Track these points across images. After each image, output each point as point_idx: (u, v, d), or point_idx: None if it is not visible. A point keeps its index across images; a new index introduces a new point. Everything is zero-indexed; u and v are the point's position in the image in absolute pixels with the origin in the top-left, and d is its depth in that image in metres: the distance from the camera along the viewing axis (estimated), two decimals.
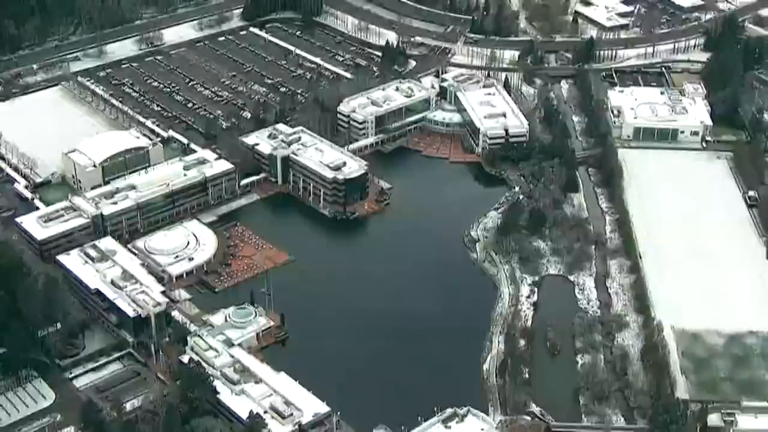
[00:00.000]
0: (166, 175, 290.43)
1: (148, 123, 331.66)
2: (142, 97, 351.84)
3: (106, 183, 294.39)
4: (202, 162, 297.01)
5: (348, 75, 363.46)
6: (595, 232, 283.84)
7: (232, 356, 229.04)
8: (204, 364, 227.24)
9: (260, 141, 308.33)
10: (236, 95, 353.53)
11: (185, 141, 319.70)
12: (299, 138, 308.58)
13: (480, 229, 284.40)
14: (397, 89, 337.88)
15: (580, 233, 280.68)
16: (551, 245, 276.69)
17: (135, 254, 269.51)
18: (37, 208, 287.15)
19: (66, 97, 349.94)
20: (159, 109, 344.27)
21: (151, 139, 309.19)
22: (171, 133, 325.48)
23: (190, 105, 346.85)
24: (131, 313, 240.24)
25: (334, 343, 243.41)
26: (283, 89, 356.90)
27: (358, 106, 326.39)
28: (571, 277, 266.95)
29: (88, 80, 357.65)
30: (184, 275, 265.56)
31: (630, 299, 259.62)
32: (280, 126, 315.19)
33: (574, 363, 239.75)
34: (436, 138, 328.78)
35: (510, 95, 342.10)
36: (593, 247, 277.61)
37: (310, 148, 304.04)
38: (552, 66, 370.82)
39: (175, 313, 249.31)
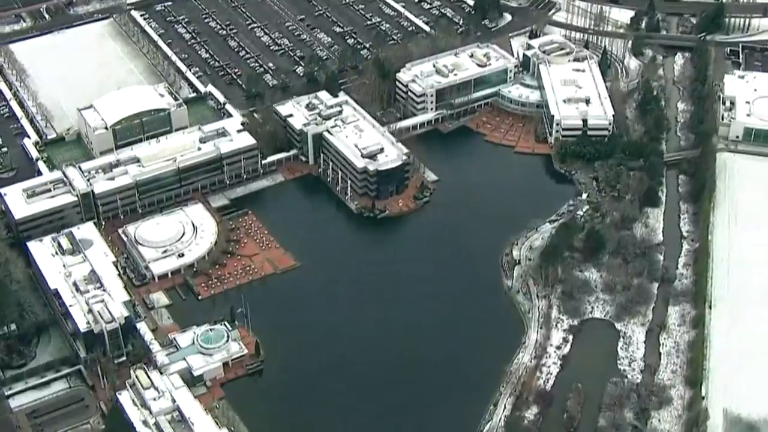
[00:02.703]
0: (177, 147, 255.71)
1: (189, 74, 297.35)
2: (193, 39, 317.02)
3: (119, 148, 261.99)
4: (222, 134, 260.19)
5: (427, 28, 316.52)
6: (665, 264, 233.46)
7: (174, 401, 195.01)
8: (140, 406, 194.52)
9: (296, 111, 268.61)
10: (296, 45, 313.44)
11: (222, 100, 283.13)
12: (340, 111, 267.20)
13: (525, 247, 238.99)
14: (471, 56, 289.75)
15: (644, 265, 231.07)
16: (605, 277, 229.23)
17: (124, 242, 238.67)
18: (39, 173, 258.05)
19: (113, 34, 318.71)
20: (207, 56, 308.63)
21: (176, 99, 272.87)
22: (210, 88, 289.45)
23: (242, 53, 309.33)
24: (82, 327, 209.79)
25: (315, 383, 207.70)
26: (350, 40, 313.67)
27: (420, 75, 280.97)
28: (619, 325, 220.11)
29: (142, 14, 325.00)
30: (169, 274, 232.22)
31: (683, 363, 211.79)
32: (323, 94, 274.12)
33: None
34: (506, 119, 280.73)
35: (606, 72, 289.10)
36: (657, 285, 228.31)
37: (349, 125, 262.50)
38: (669, 34, 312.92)
39: (142, 326, 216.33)
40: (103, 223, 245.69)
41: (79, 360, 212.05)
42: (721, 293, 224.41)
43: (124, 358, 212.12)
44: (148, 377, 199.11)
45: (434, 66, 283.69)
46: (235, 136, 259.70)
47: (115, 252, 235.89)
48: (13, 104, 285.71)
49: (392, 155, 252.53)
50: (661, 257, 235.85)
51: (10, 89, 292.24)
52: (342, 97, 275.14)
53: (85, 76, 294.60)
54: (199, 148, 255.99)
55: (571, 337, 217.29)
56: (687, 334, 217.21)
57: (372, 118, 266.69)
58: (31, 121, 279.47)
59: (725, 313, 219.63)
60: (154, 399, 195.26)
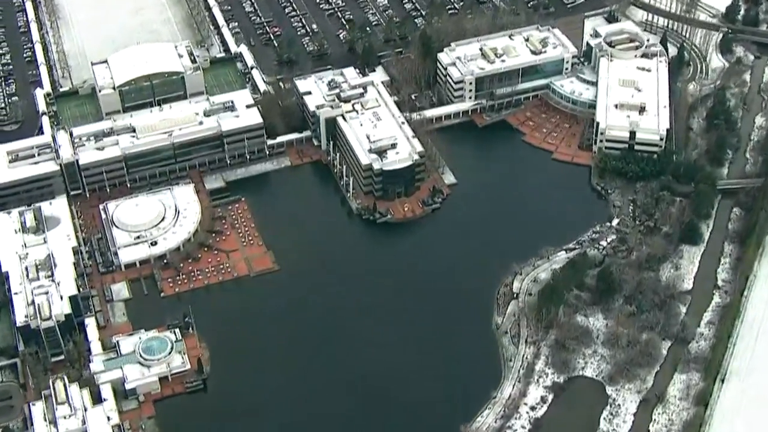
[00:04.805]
0: (177, 119, 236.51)
1: (225, 29, 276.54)
2: None
3: (126, 111, 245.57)
4: (230, 108, 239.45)
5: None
6: (685, 319, 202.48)
7: (84, 422, 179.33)
8: (48, 422, 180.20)
9: (315, 89, 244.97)
10: (348, 5, 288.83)
11: (251, 64, 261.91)
12: (362, 93, 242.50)
13: (529, 278, 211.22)
14: (527, 39, 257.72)
15: (660, 318, 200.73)
16: (610, 328, 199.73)
17: (102, 218, 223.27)
18: (41, 130, 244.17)
19: None
20: (250, 9, 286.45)
21: (194, 60, 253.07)
22: (242, 48, 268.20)
23: (288, 9, 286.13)
24: (19, 320, 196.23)
25: (260, 410, 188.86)
26: (408, 5, 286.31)
27: (463, 58, 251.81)
28: (610, 389, 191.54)
29: None
30: (137, 264, 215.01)
31: None
32: (349, 72, 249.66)
33: None
34: (553, 117, 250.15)
35: (681, 70, 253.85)
36: (668, 344, 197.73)
37: (367, 112, 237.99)
38: (766, 30, 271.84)
39: (91, 322, 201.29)
40: (88, 195, 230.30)
41: (17, 353, 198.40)
42: (739, 365, 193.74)
43: (62, 357, 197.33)
44: (66, 390, 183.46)
45: (481, 49, 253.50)
46: (242, 111, 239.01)
47: (91, 230, 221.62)
48: (38, 48, 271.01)
49: (403, 153, 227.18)
50: (683, 310, 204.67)
51: (39, 30, 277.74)
52: (369, 77, 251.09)
53: (118, 22, 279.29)
54: (201, 122, 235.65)
55: (550, 397, 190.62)
56: (687, 411, 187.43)
57: (396, 105, 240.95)
58: (51, 69, 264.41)
59: (738, 392, 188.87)
60: (65, 417, 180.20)
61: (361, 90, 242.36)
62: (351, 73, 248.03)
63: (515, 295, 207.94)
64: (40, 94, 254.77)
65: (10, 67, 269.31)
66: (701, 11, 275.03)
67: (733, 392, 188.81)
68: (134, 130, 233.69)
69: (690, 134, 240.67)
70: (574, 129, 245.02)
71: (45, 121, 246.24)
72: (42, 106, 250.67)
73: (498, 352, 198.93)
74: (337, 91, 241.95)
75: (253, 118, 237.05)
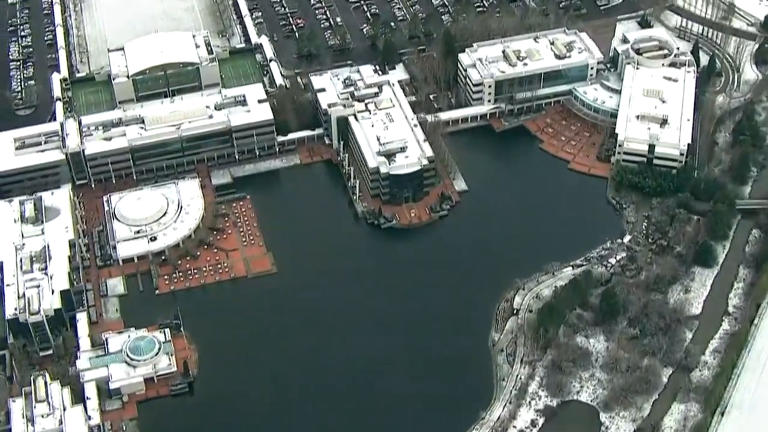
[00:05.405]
0: (187, 112, 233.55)
1: (248, 19, 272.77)
2: None
3: (140, 100, 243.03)
4: (241, 103, 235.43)
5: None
6: (690, 346, 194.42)
7: (61, 422, 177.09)
8: (26, 419, 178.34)
9: (330, 86, 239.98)
10: None
11: (269, 56, 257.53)
12: (376, 93, 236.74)
13: (531, 294, 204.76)
14: (552, 43, 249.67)
15: (663, 343, 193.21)
16: (610, 351, 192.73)
17: (105, 210, 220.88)
18: (53, 117, 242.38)
19: None
20: (275, 0, 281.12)
21: (210, 51, 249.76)
22: (262, 39, 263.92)
23: (313, 1, 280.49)
24: (8, 313, 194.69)
25: (245, 417, 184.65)
26: (435, 0, 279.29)
27: (485, 59, 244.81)
28: (604, 416, 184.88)
29: None
30: (135, 259, 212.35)
31: None
32: (366, 69, 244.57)
33: None
34: (573, 125, 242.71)
35: (711, 80, 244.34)
36: (669, 371, 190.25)
37: (380, 112, 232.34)
38: None
39: (82, 317, 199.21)
40: (93, 186, 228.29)
41: (6, 345, 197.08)
42: (741, 398, 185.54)
43: (51, 351, 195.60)
44: (46, 388, 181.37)
45: (503, 51, 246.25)
46: (254, 106, 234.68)
47: (93, 222, 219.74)
48: (59, 31, 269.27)
49: (413, 157, 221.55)
50: (689, 336, 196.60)
51: (63, 13, 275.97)
52: (387, 75, 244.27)
53: (141, 8, 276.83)
54: (211, 116, 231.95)
55: (541, 421, 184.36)
56: None
57: (412, 106, 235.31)
58: (70, 54, 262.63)
59: (737, 427, 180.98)
60: (43, 416, 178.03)
61: (375, 89, 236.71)
62: (368, 71, 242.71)
63: (515, 312, 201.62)
64: (56, 78, 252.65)
65: (30, 49, 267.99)
66: (738, 19, 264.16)
67: (732, 427, 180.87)
68: (143, 122, 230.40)
69: (715, 149, 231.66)
70: (594, 138, 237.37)
71: (59, 107, 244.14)
72: (57, 91, 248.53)
73: (492, 370, 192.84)
74: (352, 89, 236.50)
75: (264, 113, 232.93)
